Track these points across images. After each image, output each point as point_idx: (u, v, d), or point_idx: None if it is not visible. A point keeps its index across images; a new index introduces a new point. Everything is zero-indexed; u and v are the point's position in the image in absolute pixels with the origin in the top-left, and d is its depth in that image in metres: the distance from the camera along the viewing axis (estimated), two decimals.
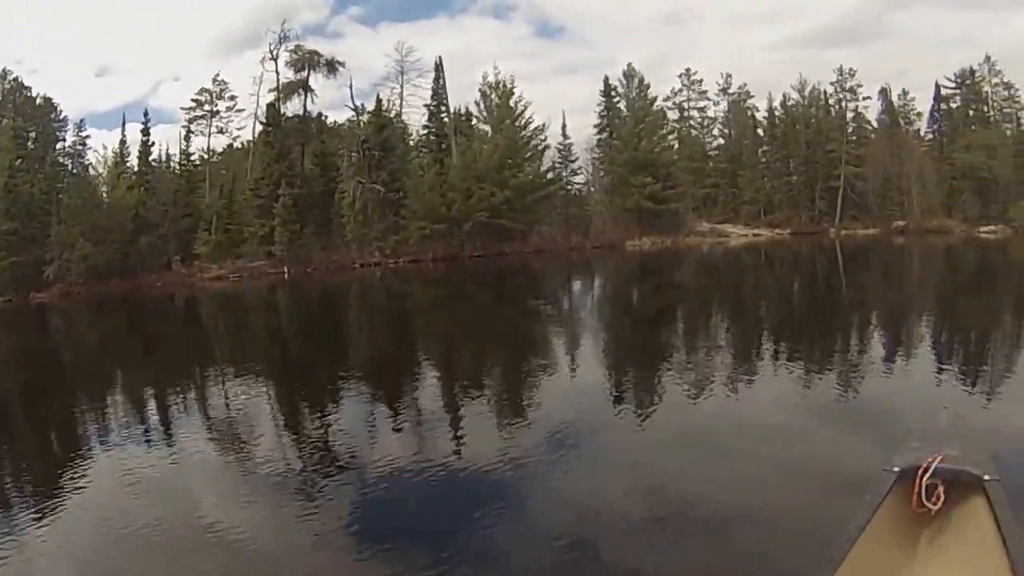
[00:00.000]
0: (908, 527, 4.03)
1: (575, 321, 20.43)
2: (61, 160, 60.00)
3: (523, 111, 62.45)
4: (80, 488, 7.77)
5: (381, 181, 55.68)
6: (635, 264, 46.05)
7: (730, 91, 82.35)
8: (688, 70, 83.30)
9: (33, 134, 59.92)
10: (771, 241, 65.25)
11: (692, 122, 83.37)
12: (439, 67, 62.10)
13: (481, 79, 64.75)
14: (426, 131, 63.20)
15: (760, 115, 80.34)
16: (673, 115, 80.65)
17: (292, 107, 61.25)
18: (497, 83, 63.09)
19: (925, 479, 3.95)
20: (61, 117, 62.87)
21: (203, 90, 65.99)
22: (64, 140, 62.12)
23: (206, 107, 66.10)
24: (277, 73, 60.44)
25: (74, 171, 59.28)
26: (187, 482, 7.73)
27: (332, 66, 61.27)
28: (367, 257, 54.29)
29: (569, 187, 69.53)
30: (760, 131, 79.31)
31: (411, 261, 53.52)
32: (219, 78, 66.60)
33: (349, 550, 5.81)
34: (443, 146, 60.15)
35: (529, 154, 62.48)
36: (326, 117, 68.00)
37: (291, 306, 33.12)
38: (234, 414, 10.89)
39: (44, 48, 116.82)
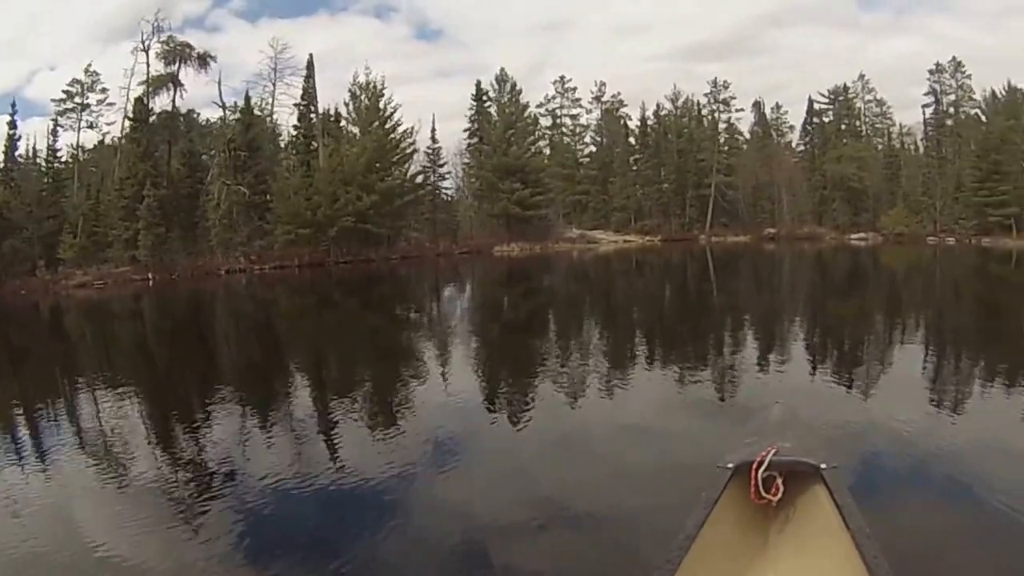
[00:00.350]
0: (750, 519, 4.32)
1: (444, 328, 21.23)
2: None
3: (392, 113, 64.03)
4: None
5: (247, 183, 56.19)
6: (503, 270, 48.03)
7: (603, 99, 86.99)
8: (562, 77, 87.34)
9: None
10: (641, 248, 69.55)
11: (564, 129, 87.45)
12: (310, 65, 63.11)
13: (351, 79, 66.11)
14: (296, 132, 63.28)
15: (633, 124, 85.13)
16: (546, 122, 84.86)
17: (161, 103, 60.53)
18: (367, 84, 64.53)
19: (761, 472, 4.24)
20: None
21: (74, 81, 64.11)
22: None
23: (76, 99, 63.98)
24: (148, 65, 59.18)
25: None
26: (63, 503, 7.58)
27: (204, 60, 60.65)
28: (232, 263, 54.33)
29: (438, 192, 71.30)
30: (632, 139, 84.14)
31: (277, 267, 53.87)
32: (91, 69, 64.52)
33: (238, 567, 5.94)
34: (311, 147, 60.93)
35: (397, 158, 63.88)
36: (198, 115, 68.47)
37: (156, 316, 32.75)
38: (107, 430, 10.67)
39: None
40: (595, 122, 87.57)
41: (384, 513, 6.55)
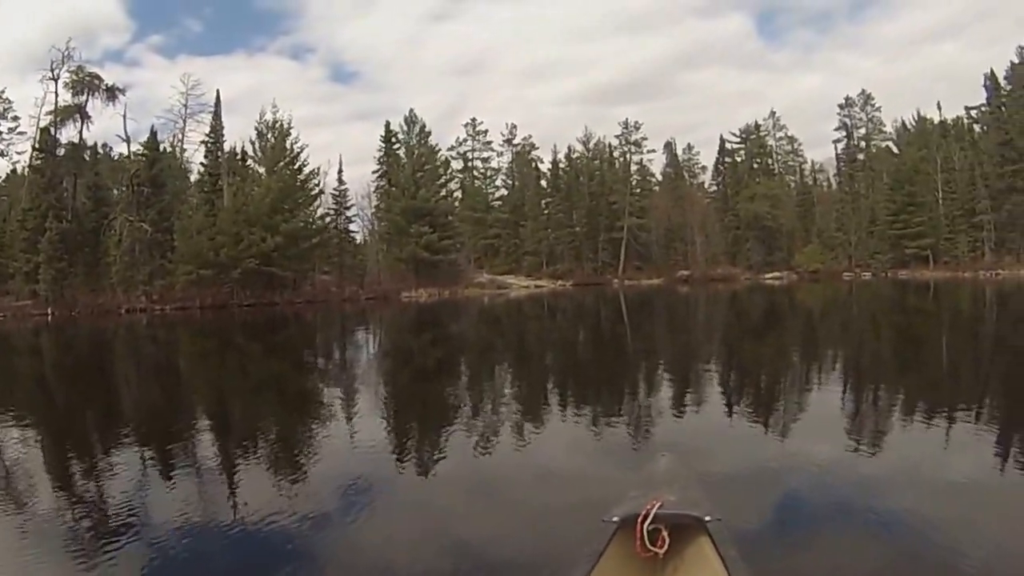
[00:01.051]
0: (636, 571, 4.51)
1: (349, 375, 21.07)
2: None
3: (299, 153, 65.85)
4: None
5: (150, 220, 57.60)
6: (411, 316, 48.34)
7: (515, 142, 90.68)
8: (473, 120, 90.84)
9: None
10: (553, 292, 71.48)
11: (476, 172, 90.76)
12: (217, 101, 65.29)
13: (258, 117, 67.62)
14: (203, 169, 65.69)
15: (544, 166, 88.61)
16: (457, 165, 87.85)
17: (69, 134, 62.56)
18: (274, 122, 66.12)
19: (646, 525, 4.44)
20: None
21: None
22: None
23: None
24: (56, 95, 61.25)
25: None
26: None
27: (112, 92, 63.12)
28: (134, 302, 55.29)
29: (344, 235, 72.54)
30: (544, 182, 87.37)
31: (178, 308, 54.49)
32: (4, 95, 66.87)
33: None
34: (217, 186, 62.27)
35: (303, 199, 65.41)
36: (110, 149, 69.65)
37: (54, 353, 32.76)
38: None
39: None
40: (506, 165, 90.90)
41: (292, 559, 6.52)
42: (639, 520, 4.47)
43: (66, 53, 61.42)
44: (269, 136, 66.26)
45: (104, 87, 63.24)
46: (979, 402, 13.04)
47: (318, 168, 68.50)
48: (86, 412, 15.81)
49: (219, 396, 18.12)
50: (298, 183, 65.98)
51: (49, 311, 53.00)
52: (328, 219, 70.39)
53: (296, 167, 65.95)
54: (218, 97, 65.89)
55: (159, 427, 13.49)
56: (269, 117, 66.54)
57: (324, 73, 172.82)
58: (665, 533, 4.54)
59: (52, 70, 61.27)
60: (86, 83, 62.05)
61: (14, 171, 69.38)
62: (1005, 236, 67.36)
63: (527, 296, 66.98)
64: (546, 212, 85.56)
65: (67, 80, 61.54)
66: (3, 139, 67.30)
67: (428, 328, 38.57)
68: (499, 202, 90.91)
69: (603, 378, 18.37)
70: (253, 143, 67.33)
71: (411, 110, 77.68)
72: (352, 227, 74.95)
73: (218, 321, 47.16)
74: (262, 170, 66.25)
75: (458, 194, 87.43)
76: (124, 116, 64.20)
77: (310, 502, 8.02)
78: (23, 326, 46.76)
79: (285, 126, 66.23)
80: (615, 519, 4.65)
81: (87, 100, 62.43)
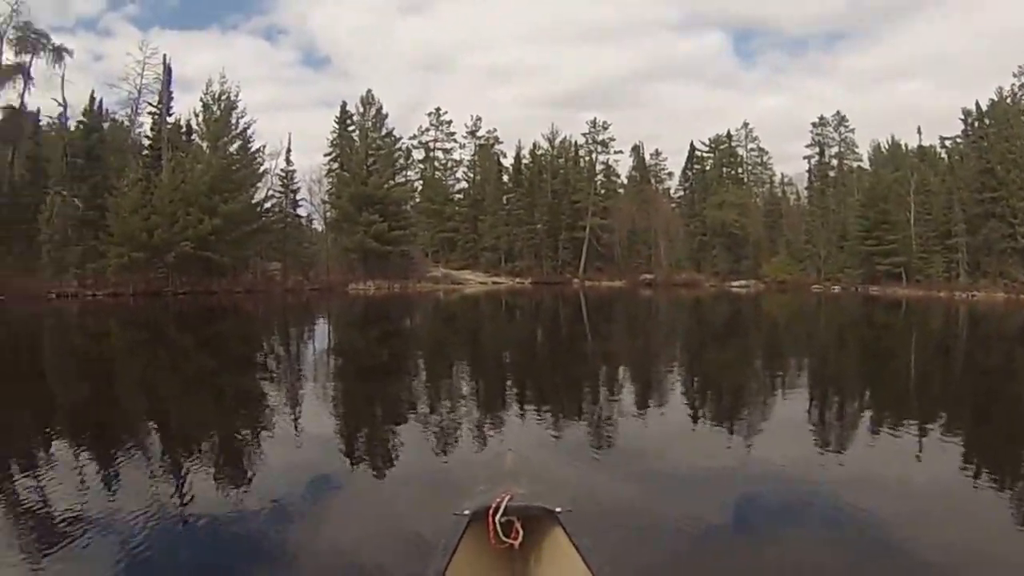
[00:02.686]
0: (492, 563, 4.71)
1: (291, 372, 20.82)
2: None
3: (245, 129, 63.51)
4: None
5: (83, 196, 55.53)
6: (358, 311, 47.66)
7: (478, 134, 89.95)
8: (438, 109, 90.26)
9: None
10: (511, 290, 71.38)
11: (437, 163, 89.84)
12: (167, 70, 62.43)
13: (204, 88, 64.63)
14: (147, 143, 63.04)
15: (507, 161, 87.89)
16: (419, 155, 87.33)
17: (9, 98, 60.49)
18: (220, 93, 63.42)
19: (498, 517, 4.66)
20: None
21: None
22: None
23: None
24: (0, 53, 59.24)
25: None
26: None
27: (59, 53, 60.76)
28: (64, 286, 53.10)
29: (289, 221, 69.90)
30: (506, 177, 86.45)
31: (111, 294, 52.73)
32: None
33: None
34: (159, 161, 59.26)
35: (245, 179, 63.70)
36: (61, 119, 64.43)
37: None
38: None
39: None
40: (468, 158, 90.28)
41: (232, 556, 6.91)
42: (490, 512, 4.78)
43: (15, 6, 59.28)
44: (215, 108, 63.50)
45: (51, 47, 61.09)
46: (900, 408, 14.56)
47: (263, 147, 65.82)
48: (10, 409, 15.12)
49: (149, 393, 17.86)
50: (242, 162, 63.82)
51: None
52: (272, 203, 68.19)
53: (240, 144, 63.74)
54: (167, 66, 63.03)
55: (86, 425, 13.42)
56: (216, 88, 63.82)
57: (295, 56, 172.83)
58: (518, 525, 4.84)
59: None
60: (30, 41, 59.73)
61: None
62: (980, 259, 69.30)
63: (484, 293, 67.21)
64: (507, 208, 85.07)
65: (11, 37, 59.13)
66: None
67: (373, 325, 38.18)
68: (459, 195, 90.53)
69: (550, 381, 18.88)
70: (197, 115, 64.52)
71: (368, 91, 74.84)
72: (302, 213, 73.17)
73: (151, 310, 46.13)
74: (205, 145, 63.49)
75: (419, 184, 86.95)
76: (62, 78, 61.96)
77: (254, 500, 8.26)
78: None
79: (232, 98, 63.93)
80: (466, 512, 4.94)
81: (31, 61, 60.27)
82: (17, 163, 59.56)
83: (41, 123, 62.94)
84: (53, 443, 12.00)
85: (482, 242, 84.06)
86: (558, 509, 4.96)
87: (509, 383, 18.51)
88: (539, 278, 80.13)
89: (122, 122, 67.09)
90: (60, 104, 61.73)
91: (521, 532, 4.81)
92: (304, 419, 13.23)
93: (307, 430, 12.25)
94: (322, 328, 37.64)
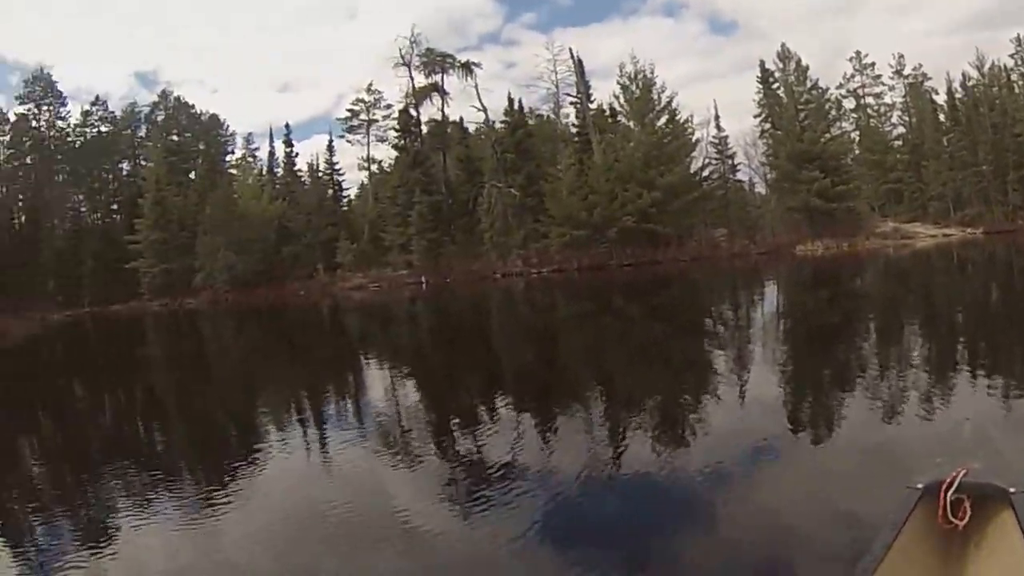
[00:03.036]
0: (936, 543, 4.37)
1: (737, 337, 19.85)
2: (233, 172, 75.09)
3: (668, 103, 64.20)
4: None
5: (518, 185, 60.35)
6: (806, 272, 44.96)
7: (905, 73, 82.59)
8: (858, 52, 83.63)
9: (202, 146, 76.80)
10: (962, 241, 64.22)
11: (870, 110, 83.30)
12: (578, 62, 66.72)
13: (619, 70, 66.80)
14: (575, 130, 67.13)
15: (940, 99, 79.07)
16: (849, 104, 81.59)
17: (431, 114, 70.35)
18: (636, 73, 64.95)
19: (950, 494, 4.31)
20: (228, 132, 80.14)
21: (358, 100, 76.76)
22: (233, 153, 79.43)
23: (362, 117, 76.89)
24: (411, 79, 69.03)
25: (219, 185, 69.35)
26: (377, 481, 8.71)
27: (468, 68, 68.29)
28: (509, 267, 58.40)
29: (729, 187, 69.61)
30: (942, 116, 77.84)
31: (555, 271, 56.13)
32: (373, 87, 76.64)
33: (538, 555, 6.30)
34: (587, 145, 62.79)
35: (677, 150, 63.44)
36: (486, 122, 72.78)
37: (430, 318, 35.75)
38: (417, 420, 12.46)
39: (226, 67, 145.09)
40: (900, 100, 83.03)
41: (660, 516, 7.02)
42: (943, 488, 4.37)
43: (412, 40, 68.85)
44: (633, 88, 65.21)
45: (458, 64, 69.27)
46: None
47: (691, 116, 66.16)
48: (469, 372, 17.63)
49: (594, 359, 18.59)
50: (673, 134, 63.84)
51: (423, 279, 59.37)
52: (710, 170, 68.39)
53: (667, 117, 64.55)
54: (576, 58, 67.57)
55: (532, 387, 14.80)
56: (630, 69, 65.39)
57: (702, 27, 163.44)
58: (967, 504, 4.38)
59: (401, 56, 68.89)
60: (436, 63, 68.78)
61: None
62: None
63: (934, 246, 60.69)
64: (948, 150, 76.27)
65: (418, 64, 69.13)
66: (379, 127, 76.76)
67: (819, 287, 35.42)
68: (898, 141, 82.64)
69: (1005, 343, 14.97)
70: (617, 97, 66.72)
71: (783, 44, 71.05)
72: (742, 177, 72.24)
73: (596, 282, 47.50)
74: (632, 124, 65.25)
75: (855, 135, 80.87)
76: (476, 87, 69.00)
77: (721, 456, 8.25)
78: (398, 294, 52.13)
79: (648, 75, 64.61)
80: (919, 486, 4.52)
81: (443, 79, 69.31)
82: (449, 165, 69.08)
83: (467, 128, 71.78)
84: (497, 401, 13.37)
85: (928, 191, 76.11)
86: (1012, 489, 4.33)
87: (961, 345, 15.58)
88: (990, 227, 70.10)
89: (547, 116, 73.68)
90: (479, 109, 68.60)
91: (968, 512, 4.36)
92: (748, 384, 12.85)
93: (750, 395, 11.94)
94: (770, 292, 35.71)
